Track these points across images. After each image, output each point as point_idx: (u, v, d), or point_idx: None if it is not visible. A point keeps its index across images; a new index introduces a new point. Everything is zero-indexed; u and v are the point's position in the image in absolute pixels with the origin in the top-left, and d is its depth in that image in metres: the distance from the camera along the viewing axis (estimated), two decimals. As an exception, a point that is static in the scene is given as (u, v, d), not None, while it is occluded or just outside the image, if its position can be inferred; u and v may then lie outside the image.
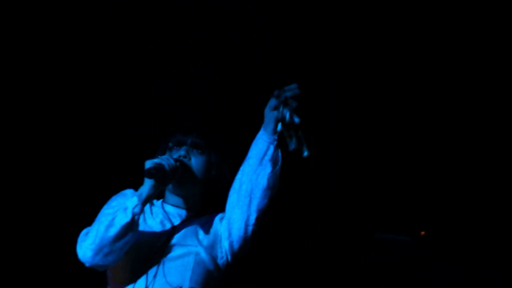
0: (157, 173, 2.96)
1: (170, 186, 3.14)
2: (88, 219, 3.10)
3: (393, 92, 5.22)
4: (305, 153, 2.98)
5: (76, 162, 4.73)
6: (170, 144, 3.13)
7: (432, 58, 5.07)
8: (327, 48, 5.00)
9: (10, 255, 4.63)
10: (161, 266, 3.02)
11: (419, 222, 5.19)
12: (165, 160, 3.01)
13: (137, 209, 2.94)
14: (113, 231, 2.91)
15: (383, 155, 5.24)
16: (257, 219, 3.03)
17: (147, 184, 2.98)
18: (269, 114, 2.98)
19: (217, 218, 3.16)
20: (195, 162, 3.13)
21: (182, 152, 3.12)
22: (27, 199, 4.69)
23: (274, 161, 2.99)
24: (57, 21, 4.65)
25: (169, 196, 3.20)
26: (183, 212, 3.17)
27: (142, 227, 3.06)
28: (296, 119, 2.95)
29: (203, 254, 3.06)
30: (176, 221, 3.13)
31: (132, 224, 2.93)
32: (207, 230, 3.11)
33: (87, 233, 2.98)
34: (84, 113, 4.75)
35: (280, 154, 3.02)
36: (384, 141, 5.23)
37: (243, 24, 4.82)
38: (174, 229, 3.11)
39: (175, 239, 3.08)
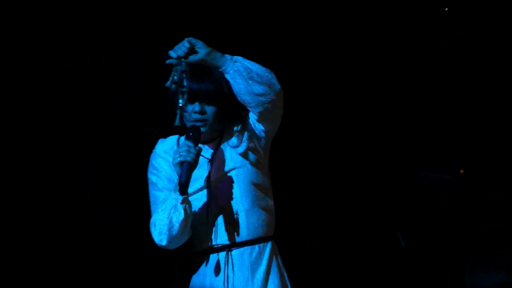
0: (189, 172, 3.11)
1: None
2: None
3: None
4: (176, 122, 3.04)
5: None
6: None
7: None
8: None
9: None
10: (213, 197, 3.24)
11: (459, 162, 5.48)
12: (186, 154, 3.09)
13: (185, 203, 3.13)
14: (176, 229, 3.15)
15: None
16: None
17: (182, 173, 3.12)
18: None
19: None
20: (210, 112, 3.21)
21: (196, 108, 3.19)
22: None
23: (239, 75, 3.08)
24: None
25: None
26: (213, 144, 3.30)
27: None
28: (185, 83, 3.03)
29: (240, 167, 3.24)
30: (208, 154, 3.26)
31: (187, 216, 3.14)
32: (233, 143, 3.26)
33: (154, 224, 3.19)
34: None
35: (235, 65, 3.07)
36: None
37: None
38: (210, 162, 3.26)
39: (215, 169, 3.24)
